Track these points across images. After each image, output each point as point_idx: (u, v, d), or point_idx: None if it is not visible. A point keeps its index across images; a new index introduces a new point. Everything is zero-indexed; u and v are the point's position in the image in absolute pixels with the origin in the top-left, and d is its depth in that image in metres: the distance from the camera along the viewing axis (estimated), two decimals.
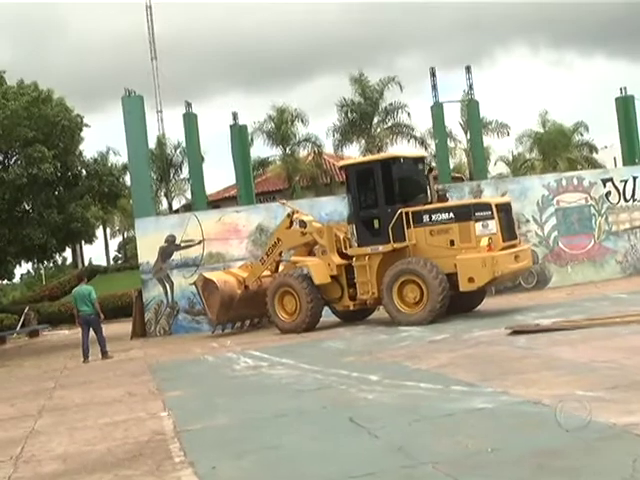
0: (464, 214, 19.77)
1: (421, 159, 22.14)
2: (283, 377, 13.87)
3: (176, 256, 25.80)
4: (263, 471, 8.03)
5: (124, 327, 30.79)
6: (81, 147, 27.83)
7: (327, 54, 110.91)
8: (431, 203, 20.82)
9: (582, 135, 56.07)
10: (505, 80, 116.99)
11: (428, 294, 19.45)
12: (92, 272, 51.11)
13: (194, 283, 23.86)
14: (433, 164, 23.18)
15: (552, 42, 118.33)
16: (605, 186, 27.26)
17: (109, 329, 31.72)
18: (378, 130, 46.28)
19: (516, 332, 15.71)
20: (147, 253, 25.88)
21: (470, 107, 33.92)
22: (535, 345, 13.93)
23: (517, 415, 8.94)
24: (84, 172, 27.93)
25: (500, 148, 60.09)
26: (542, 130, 54.74)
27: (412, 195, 20.80)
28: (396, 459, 7.79)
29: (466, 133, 48.43)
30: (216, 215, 26.53)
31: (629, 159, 33.51)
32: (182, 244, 25.79)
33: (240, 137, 32.46)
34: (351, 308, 21.73)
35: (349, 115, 46.18)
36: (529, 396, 9.74)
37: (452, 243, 19.77)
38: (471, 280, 19.34)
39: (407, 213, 20.13)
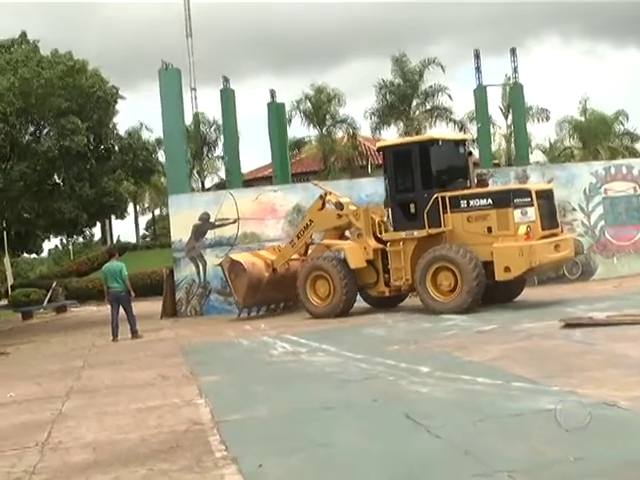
0: (503, 200, 18.89)
1: (462, 142, 21.20)
2: (325, 365, 13.09)
3: (210, 235, 25.02)
4: (315, 472, 7.26)
5: (153, 306, 30.08)
6: (115, 120, 27.05)
7: (359, 38, 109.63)
8: (470, 188, 19.94)
9: (622, 124, 54.72)
10: (538, 69, 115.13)
11: (462, 282, 18.63)
12: (121, 249, 50.46)
13: (220, 264, 23.09)
14: (471, 148, 22.01)
15: (584, 32, 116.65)
16: None
17: (138, 307, 31.00)
18: (417, 113, 45.33)
19: (569, 325, 14.84)
20: (180, 231, 25.13)
21: (514, 91, 32.94)
22: (593, 340, 13.06)
23: (594, 419, 8.08)
24: (117, 146, 27.16)
25: (538, 135, 58.99)
26: (582, 118, 53.40)
27: (451, 179, 20.05)
28: (465, 464, 6.98)
29: (506, 118, 47.42)
30: (252, 194, 25.72)
31: None
32: (216, 222, 25.03)
33: (277, 115, 31.72)
34: (386, 294, 20.90)
35: (387, 97, 45.25)
36: (602, 397, 8.88)
37: (490, 230, 18.91)
38: (507, 269, 18.47)
39: (444, 198, 19.30)
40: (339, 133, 47.24)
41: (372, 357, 13.23)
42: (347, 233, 21.67)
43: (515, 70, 32.88)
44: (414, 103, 45.60)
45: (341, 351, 14.35)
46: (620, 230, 25.66)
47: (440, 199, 19.21)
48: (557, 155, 53.24)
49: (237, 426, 9.23)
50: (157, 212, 73.67)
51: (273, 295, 22.79)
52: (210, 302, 25.00)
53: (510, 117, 44.82)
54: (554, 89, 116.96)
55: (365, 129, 47.57)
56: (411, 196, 19.93)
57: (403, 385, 10.76)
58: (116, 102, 26.42)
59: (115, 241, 67.82)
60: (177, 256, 25.24)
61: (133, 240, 69.19)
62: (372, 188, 24.23)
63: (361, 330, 17.50)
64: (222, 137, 44.89)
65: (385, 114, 45.36)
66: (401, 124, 45.44)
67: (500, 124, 49.23)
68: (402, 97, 44.92)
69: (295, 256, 22.35)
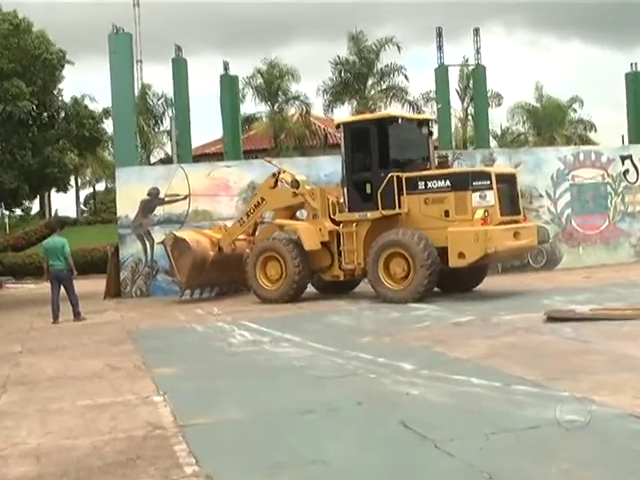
0: (461, 183, 17.94)
1: (424, 122, 20.13)
2: (293, 357, 11.84)
3: (159, 211, 23.64)
4: None
5: (95, 285, 28.59)
6: (60, 87, 25.32)
7: (304, 20, 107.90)
8: (430, 170, 18.95)
9: (576, 111, 54.17)
10: (484, 57, 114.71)
11: (415, 269, 17.62)
12: (61, 223, 48.40)
13: (162, 242, 21.71)
14: (432, 129, 21.00)
15: (527, 24, 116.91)
16: (623, 163, 25.39)
17: (78, 286, 29.51)
18: (372, 92, 44.12)
19: (553, 319, 13.80)
20: (127, 206, 23.67)
21: (477, 72, 31.90)
22: (586, 337, 12.01)
23: (629, 435, 6.95)
24: (62, 113, 25.44)
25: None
26: (538, 104, 52.66)
27: (410, 160, 19.13)
28: None
29: (462, 101, 46.46)
30: (205, 169, 24.29)
31: (636, 136, 31.95)
32: (166, 198, 23.62)
33: (230, 88, 30.26)
34: (341, 278, 19.82)
35: (342, 75, 43.93)
36: (623, 407, 7.76)
37: (447, 214, 17.98)
38: (461, 255, 17.49)
39: (400, 178, 18.29)
40: (291, 110, 45.86)
41: (344, 350, 12.04)
42: (298, 214, 20.70)
43: (478, 51, 31.86)
44: (369, 82, 44.44)
45: (307, 342, 13.13)
46: (587, 219, 24.89)
47: (396, 179, 18.19)
48: (510, 141, 52.38)
49: (206, 432, 7.94)
50: (98, 187, 71.60)
51: (217, 276, 21.54)
52: (157, 283, 23.65)
53: (466, 100, 44.03)
54: (500, 77, 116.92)
55: (318, 108, 46.30)
56: (367, 176, 18.96)
57: (388, 385, 9.56)
58: (63, 67, 24.69)
59: (53, 215, 65.52)
60: (123, 233, 23.79)
61: (72, 214, 67.06)
62: (332, 167, 22.96)
63: (324, 318, 16.31)
64: (169, 111, 43.41)
65: (339, 92, 44.07)
66: (355, 103, 44.20)
67: (456, 107, 48.25)
68: (357, 75, 43.69)
69: (242, 236, 21.14)
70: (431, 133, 19.91)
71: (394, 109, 42.87)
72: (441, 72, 30.59)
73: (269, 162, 21.74)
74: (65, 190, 29.49)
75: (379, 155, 18.65)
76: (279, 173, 20.63)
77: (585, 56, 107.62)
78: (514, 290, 19.15)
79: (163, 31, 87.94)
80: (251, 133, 46.06)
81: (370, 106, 42.17)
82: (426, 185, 18.23)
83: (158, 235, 23.23)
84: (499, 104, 48.17)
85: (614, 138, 49.72)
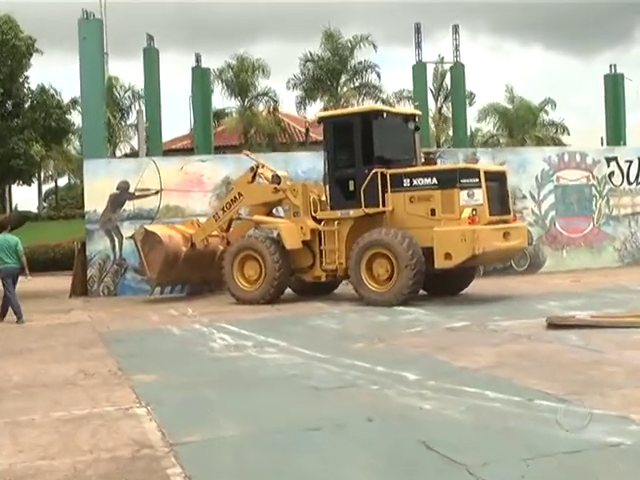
0: (448, 180, 17.18)
1: (410, 117, 19.27)
2: (283, 365, 10.92)
3: (128, 206, 22.55)
4: None
5: (58, 282, 27.54)
6: (27, 74, 24.06)
7: (270, 20, 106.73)
8: (416, 167, 18.18)
9: (547, 114, 53.66)
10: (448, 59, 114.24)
11: (399, 270, 16.83)
12: (21, 219, 46.91)
13: (132, 236, 20.70)
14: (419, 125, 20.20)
15: (492, 28, 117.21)
16: (609, 165, 24.77)
17: (40, 283, 28.41)
18: (344, 89, 43.22)
19: (555, 325, 13.04)
20: (95, 200, 22.58)
21: (455, 70, 31.16)
22: (596, 346, 11.29)
23: None
24: (28, 102, 24.22)
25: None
26: (509, 105, 52.07)
27: (395, 156, 18.29)
28: None
29: (436, 101, 45.74)
30: (178, 163, 23.25)
31: (614, 139, 31.51)
32: (136, 193, 22.57)
33: (202, 81, 29.27)
34: (322, 279, 18.95)
35: (315, 71, 42.97)
36: None
37: (433, 213, 17.22)
38: (448, 256, 16.73)
39: (384, 175, 17.51)
40: (261, 106, 44.86)
41: (337, 357, 11.18)
42: (274, 211, 19.94)
43: (456, 49, 31.14)
44: (342, 79, 43.53)
45: (294, 347, 12.25)
46: (571, 221, 24.26)
47: (380, 176, 17.39)
48: (482, 143, 51.69)
49: (201, 452, 7.01)
50: (60, 181, 69.96)
51: (189, 274, 20.63)
52: (125, 281, 22.63)
53: (439, 100, 43.38)
54: (467, 79, 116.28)
55: (289, 105, 45.42)
56: (350, 172, 18.18)
57: (394, 398, 8.69)
58: (31, 55, 23.46)
59: (13, 210, 63.90)
60: (90, 228, 22.70)
61: (32, 209, 65.34)
62: (310, 163, 22.18)
63: (307, 321, 15.44)
64: (137, 104, 42.30)
65: (311, 88, 43.12)
66: (327, 100, 43.27)
67: (430, 107, 47.45)
68: (330, 72, 42.75)
69: (215, 232, 20.22)
70: (417, 128, 19.11)
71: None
72: (419, 69, 29.80)
73: (247, 155, 20.79)
74: (29, 183, 28.23)
75: (363, 151, 17.88)
76: (257, 167, 19.71)
77: (546, 62, 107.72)
78: (503, 294, 18.42)
79: (128, 26, 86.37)
80: (220, 129, 44.99)
81: (342, 103, 41.27)
82: (411, 182, 17.46)
83: (128, 231, 22.19)
84: (471, 104, 47.48)
85: (585, 141, 49.46)
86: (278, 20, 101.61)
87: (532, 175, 23.91)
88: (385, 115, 18.13)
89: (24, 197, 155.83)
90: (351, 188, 18.01)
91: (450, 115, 40.74)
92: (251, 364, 11.14)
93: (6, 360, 12.46)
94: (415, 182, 17.39)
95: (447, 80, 43.97)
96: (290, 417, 8.06)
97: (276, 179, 18.97)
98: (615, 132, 32.72)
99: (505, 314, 14.95)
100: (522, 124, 50.21)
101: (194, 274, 20.79)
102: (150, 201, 22.49)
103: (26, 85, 24.33)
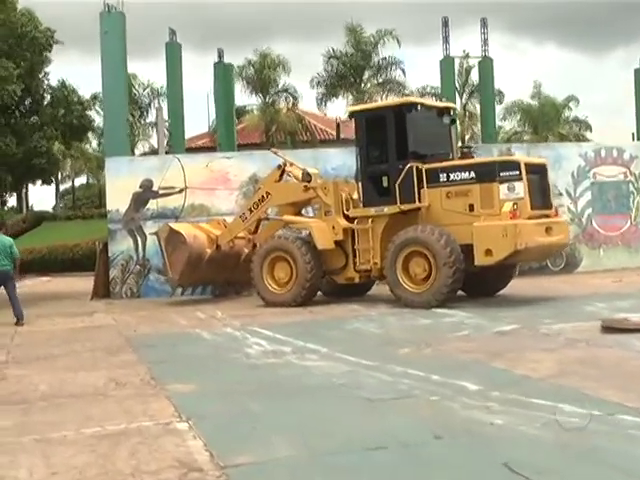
0: (487, 174, 16.42)
1: (445, 110, 18.52)
2: (329, 374, 10.15)
3: (152, 205, 21.87)
4: None
5: (79, 283, 26.98)
6: (47, 70, 23.36)
7: (286, 19, 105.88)
8: (452, 161, 17.48)
9: (571, 110, 52.82)
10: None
11: (437, 269, 16.08)
12: (38, 218, 46.46)
13: (156, 233, 19.99)
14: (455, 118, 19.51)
15: (506, 27, 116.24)
16: None
17: (61, 284, 27.86)
18: (368, 85, 42.46)
19: (611, 329, 12.26)
20: (117, 199, 21.91)
21: (484, 65, 30.33)
22: None
23: None
24: (47, 98, 23.51)
25: None
26: (534, 102, 51.25)
27: (430, 150, 17.48)
28: None
29: (461, 97, 44.91)
30: (203, 160, 22.53)
31: None
32: (160, 191, 21.87)
33: (225, 77, 28.60)
34: (356, 280, 18.21)
35: (338, 67, 42.22)
36: None
37: (471, 208, 16.48)
38: (489, 253, 15.94)
39: (420, 170, 16.77)
40: (282, 103, 44.16)
41: (385, 364, 10.42)
42: (303, 210, 19.29)
43: (485, 43, 30.29)
44: (366, 75, 42.79)
45: (336, 353, 11.50)
46: (608, 219, 23.43)
47: (415, 171, 16.56)
48: (507, 140, 50.87)
49: (257, 477, 6.26)
50: (77, 181, 69.43)
51: (212, 276, 19.94)
52: (149, 282, 21.92)
53: (464, 96, 42.60)
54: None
55: (309, 103, 44.80)
56: (384, 168, 17.47)
57: (459, 411, 7.91)
58: (51, 47, 22.74)
59: (29, 210, 63.39)
60: (113, 228, 22.02)
61: (47, 209, 64.73)
62: (340, 160, 21.46)
63: (344, 325, 14.68)
64: (155, 102, 41.72)
65: (333, 85, 42.38)
66: (350, 96, 42.55)
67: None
68: (354, 68, 42.02)
69: (241, 234, 19.46)
70: (453, 121, 18.39)
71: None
72: (447, 64, 29.02)
73: (275, 153, 20.03)
74: (50, 182, 27.58)
75: (397, 145, 17.15)
76: (285, 165, 18.98)
77: (560, 60, 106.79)
78: (544, 295, 17.65)
79: (143, 25, 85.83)
80: (241, 126, 44.27)
81: (366, 99, 40.50)
82: (448, 177, 16.74)
83: (151, 231, 21.50)
84: (501, 101, 46.71)
85: (608, 138, 48.61)
86: (292, 19, 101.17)
87: (568, 171, 23.11)
88: (419, 108, 17.36)
89: (40, 197, 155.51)
90: (385, 184, 17.31)
91: (475, 111, 40.07)
92: (293, 372, 10.39)
93: (30, 367, 11.76)
94: (452, 177, 16.68)
95: (472, 76, 43.40)
96: (347, 433, 7.30)
97: (307, 177, 18.23)
98: None
99: (553, 317, 14.17)
100: (547, 121, 49.34)
101: (217, 276, 20.14)
102: (174, 200, 21.80)
103: (46, 81, 23.60)
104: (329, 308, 17.22)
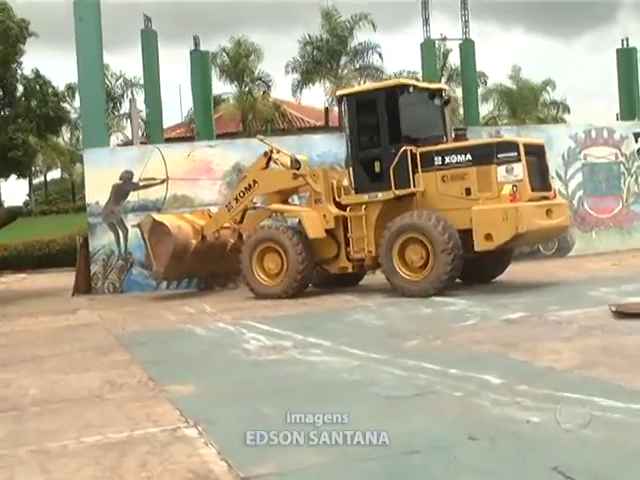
0: (484, 156, 15.88)
1: (437, 92, 17.99)
2: (338, 369, 9.56)
3: (133, 197, 21.18)
4: None
5: (55, 279, 26.30)
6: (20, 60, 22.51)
7: (257, 8, 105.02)
8: (447, 144, 16.96)
9: (549, 94, 52.51)
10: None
11: (435, 256, 15.53)
12: (12, 214, 45.46)
13: (138, 225, 19.32)
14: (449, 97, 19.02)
15: (473, 13, 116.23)
16: (637, 141, 23.53)
17: (39, 280, 27.16)
18: (345, 71, 41.83)
19: (623, 314, 11.78)
20: (97, 192, 21.22)
21: (466, 47, 29.83)
22: None
23: None
24: (20, 89, 22.69)
25: None
26: (513, 86, 50.87)
27: (424, 133, 17.02)
28: None
29: (440, 80, 44.30)
30: (185, 149, 21.85)
31: (629, 114, 30.44)
32: (141, 183, 21.19)
33: (201, 65, 27.87)
34: (349, 270, 17.66)
35: (314, 53, 41.56)
36: None
37: (468, 192, 15.95)
38: (489, 237, 15.42)
39: (414, 154, 16.22)
40: (258, 91, 43.43)
41: (396, 357, 9.86)
42: (289, 199, 18.76)
43: (466, 25, 29.73)
44: (342, 61, 42.15)
45: (341, 346, 10.93)
46: (600, 201, 23.06)
47: (410, 155, 16.01)
48: (484, 124, 50.39)
49: None
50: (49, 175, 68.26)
51: (197, 268, 19.31)
52: (132, 277, 21.22)
53: (443, 80, 41.94)
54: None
55: (283, 91, 44.16)
56: (376, 152, 16.85)
57: (488, 408, 7.38)
58: (25, 39, 21.94)
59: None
60: (92, 222, 21.34)
61: (18, 204, 63.46)
62: (325, 146, 20.94)
63: (342, 317, 14.10)
64: (129, 93, 40.94)
65: (309, 71, 41.69)
66: (327, 83, 41.94)
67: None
68: (330, 53, 41.36)
69: (226, 224, 18.97)
70: (447, 103, 17.85)
71: None
72: (428, 47, 28.45)
73: (261, 140, 19.39)
74: (26, 176, 26.74)
75: (389, 129, 16.56)
76: (272, 152, 18.37)
77: (528, 45, 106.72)
78: (545, 280, 17.22)
79: (111, 17, 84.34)
80: (216, 116, 43.53)
81: (344, 85, 39.86)
82: (443, 160, 16.23)
83: (132, 224, 20.80)
84: (485, 84, 46.32)
85: (589, 120, 48.15)
86: (262, 9, 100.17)
87: (558, 153, 22.64)
88: (411, 89, 16.80)
89: (11, 192, 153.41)
90: (377, 169, 16.73)
91: (455, 95, 39.49)
92: (299, 369, 9.80)
93: (16, 370, 11.09)
94: (447, 160, 16.17)
95: (449, 59, 43.04)
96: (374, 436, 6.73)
97: (296, 164, 17.63)
98: (629, 107, 31.62)
99: (559, 303, 13.65)
100: (525, 104, 48.98)
101: (203, 268, 19.52)
102: (156, 191, 21.13)
103: (19, 72, 22.78)
104: (322, 299, 16.65)
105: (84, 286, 21.39)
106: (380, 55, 42.55)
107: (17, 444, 7.21)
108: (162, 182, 21.15)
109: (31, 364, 11.51)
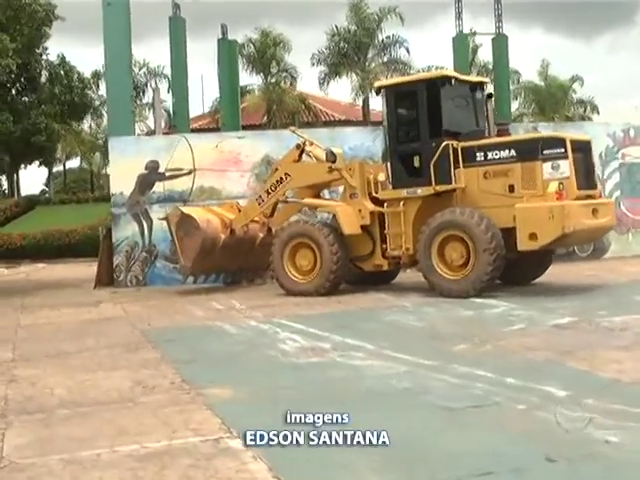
0: (529, 152, 15.24)
1: (480, 85, 17.36)
2: (386, 375, 8.94)
3: (158, 187, 20.57)
4: None
5: (75, 270, 25.78)
6: (46, 45, 21.97)
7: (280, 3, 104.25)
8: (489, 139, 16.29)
9: (575, 92, 51.72)
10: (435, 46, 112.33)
11: (476, 255, 14.90)
12: (31, 202, 44.96)
13: (166, 217, 18.71)
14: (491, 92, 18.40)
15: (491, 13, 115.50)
16: None
17: (59, 271, 26.70)
18: (372, 65, 41.14)
19: None
20: (121, 181, 20.64)
21: (498, 42, 29.10)
22: None
23: None
24: (46, 75, 22.14)
25: None
26: (541, 83, 50.10)
27: (465, 127, 16.31)
28: None
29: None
30: (213, 140, 21.21)
31: None
32: (167, 173, 20.59)
33: (229, 54, 27.27)
34: (385, 268, 17.03)
35: (340, 45, 40.90)
36: None
37: (511, 189, 15.27)
38: (533, 237, 14.74)
39: (455, 149, 15.56)
40: (285, 83, 42.85)
41: (445, 363, 9.25)
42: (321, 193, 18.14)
43: (499, 19, 29.02)
44: (370, 54, 41.48)
45: (385, 350, 10.31)
46: (637, 202, 22.27)
47: (451, 149, 15.44)
48: (512, 121, 49.71)
49: None
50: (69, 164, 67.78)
51: (225, 262, 18.70)
52: (156, 270, 20.64)
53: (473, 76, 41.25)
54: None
55: (308, 85, 43.58)
56: (415, 146, 16.23)
57: (556, 423, 6.72)
58: (51, 22, 21.38)
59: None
60: (116, 212, 20.76)
61: (35, 193, 62.94)
62: (359, 139, 20.29)
63: (380, 317, 13.50)
64: (152, 82, 40.47)
65: (336, 64, 41.02)
66: (354, 76, 41.24)
67: None
68: (358, 45, 40.66)
69: (256, 218, 18.35)
70: (490, 96, 17.22)
71: None
72: (460, 41, 27.77)
73: (293, 132, 18.79)
74: (49, 162, 26.23)
75: (430, 122, 15.89)
76: (304, 144, 17.77)
77: (548, 44, 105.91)
78: (586, 283, 16.61)
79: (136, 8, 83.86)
80: (241, 107, 43.01)
81: (371, 80, 39.20)
82: (486, 156, 15.57)
83: (158, 215, 20.28)
84: (518, 81, 45.61)
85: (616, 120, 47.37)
86: (278, 5, 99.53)
87: (595, 152, 21.82)
88: (453, 82, 16.17)
89: (29, 181, 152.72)
90: (416, 164, 16.10)
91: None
92: (343, 374, 9.19)
93: (41, 366, 10.53)
94: (490, 155, 15.51)
95: (479, 55, 42.36)
96: (442, 454, 6.13)
97: (331, 157, 16.99)
98: None
99: (606, 308, 13.04)
100: (554, 102, 48.20)
101: (231, 262, 18.91)
102: (182, 182, 20.52)
103: (44, 57, 22.23)
104: (356, 297, 16.05)
105: (106, 278, 20.83)
106: (407, 50, 41.99)
107: (46, 452, 6.63)
108: (189, 173, 20.57)
109: (56, 360, 10.95)
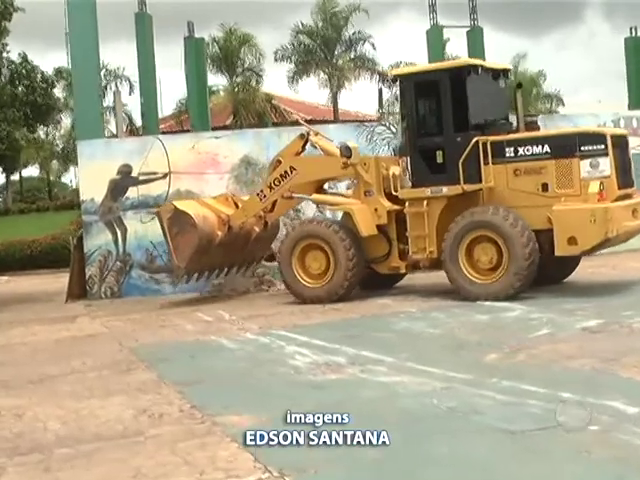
0: (565, 148, 14.08)
1: (504, 72, 16.04)
2: (422, 393, 8.02)
3: (132, 193, 19.37)
4: None
5: (43, 282, 24.59)
6: (5, 41, 20.65)
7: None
8: (517, 132, 15.10)
9: (541, 87, 51.30)
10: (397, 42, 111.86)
11: (510, 259, 13.80)
12: None
13: (157, 213, 17.36)
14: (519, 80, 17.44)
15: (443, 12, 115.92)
16: None
17: (25, 284, 25.50)
18: (339, 62, 40.25)
19: None
20: (92, 187, 19.41)
21: (474, 35, 28.33)
22: None
23: None
24: (5, 74, 20.84)
25: None
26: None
27: (492, 120, 15.09)
28: None
29: None
30: (188, 141, 20.02)
31: (637, 102, 29.27)
32: (141, 177, 19.40)
33: (196, 53, 26.19)
34: (402, 270, 15.92)
35: (306, 42, 39.95)
36: None
37: (545, 188, 14.13)
38: (573, 241, 13.65)
39: (484, 144, 14.39)
40: (250, 82, 41.79)
41: (482, 377, 8.36)
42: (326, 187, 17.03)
43: (473, 10, 28.22)
44: (337, 50, 40.57)
45: (408, 363, 9.41)
46: None
47: (481, 145, 14.31)
48: None
49: None
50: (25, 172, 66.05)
51: (219, 260, 17.38)
52: (131, 280, 19.45)
53: None
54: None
55: (274, 84, 42.56)
56: (438, 141, 15.00)
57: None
58: (10, 15, 20.10)
59: None
60: (88, 220, 19.55)
61: None
62: (341, 136, 19.11)
63: (388, 324, 12.56)
64: (113, 85, 39.31)
65: (303, 62, 40.03)
66: (322, 74, 40.30)
67: None
68: (325, 42, 39.71)
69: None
70: (520, 85, 16.24)
71: (362, 81, 39.27)
72: (434, 34, 26.93)
73: (296, 121, 17.67)
74: (11, 171, 24.96)
75: (454, 114, 14.71)
76: (309, 135, 16.68)
77: (497, 42, 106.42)
78: (595, 280, 15.80)
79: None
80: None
81: (339, 77, 38.39)
82: (516, 152, 14.36)
83: (132, 222, 19.18)
84: None
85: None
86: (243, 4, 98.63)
87: None
88: (480, 70, 15.05)
89: None
90: (439, 160, 14.94)
91: None
92: (373, 393, 8.21)
93: (24, 394, 9.42)
94: (521, 151, 14.33)
95: (448, 50, 41.65)
96: None
97: (346, 152, 15.72)
98: (638, 95, 30.48)
99: (629, 307, 12.25)
100: (527, 95, 47.64)
101: (224, 259, 17.54)
102: (157, 186, 19.31)
103: (4, 55, 20.90)
104: (354, 304, 14.96)
105: (78, 290, 19.60)
106: (373, 46, 41.12)
107: None
108: (164, 176, 19.39)
109: (40, 387, 9.84)
